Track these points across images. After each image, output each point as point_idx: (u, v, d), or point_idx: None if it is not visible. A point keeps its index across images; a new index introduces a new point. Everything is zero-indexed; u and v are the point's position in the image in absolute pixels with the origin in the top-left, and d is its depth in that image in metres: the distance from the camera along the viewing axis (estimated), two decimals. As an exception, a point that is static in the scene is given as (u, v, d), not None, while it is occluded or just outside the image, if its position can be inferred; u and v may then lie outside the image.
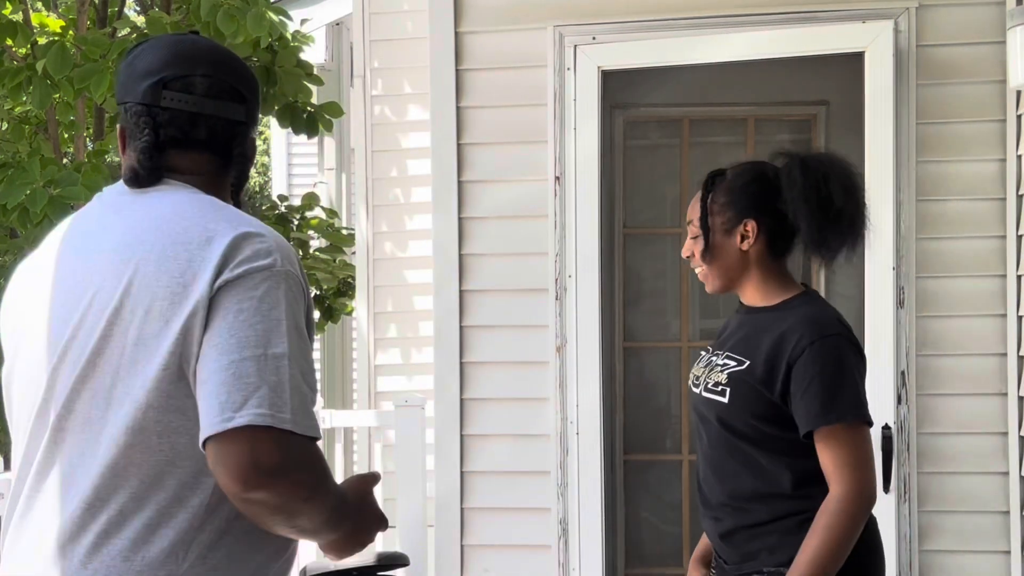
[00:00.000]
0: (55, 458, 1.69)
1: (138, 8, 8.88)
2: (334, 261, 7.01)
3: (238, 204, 1.80)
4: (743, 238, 2.39)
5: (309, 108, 6.08)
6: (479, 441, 3.89)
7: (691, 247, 2.46)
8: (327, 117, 6.13)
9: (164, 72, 1.77)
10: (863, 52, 3.62)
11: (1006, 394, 3.61)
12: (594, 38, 3.80)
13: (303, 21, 6.68)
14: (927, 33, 3.65)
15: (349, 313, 7.20)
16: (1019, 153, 3.59)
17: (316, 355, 8.09)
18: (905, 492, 3.58)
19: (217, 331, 1.57)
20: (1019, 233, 3.59)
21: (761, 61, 3.80)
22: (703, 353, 2.54)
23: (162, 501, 1.63)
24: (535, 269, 3.84)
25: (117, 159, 11.05)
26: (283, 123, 6.06)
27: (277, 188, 8.91)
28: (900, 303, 3.62)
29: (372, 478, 1.87)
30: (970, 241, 3.66)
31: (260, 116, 1.90)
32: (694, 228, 2.44)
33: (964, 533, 3.61)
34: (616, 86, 4.22)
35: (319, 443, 1.64)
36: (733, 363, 2.37)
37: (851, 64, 3.72)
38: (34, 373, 1.72)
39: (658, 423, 5.03)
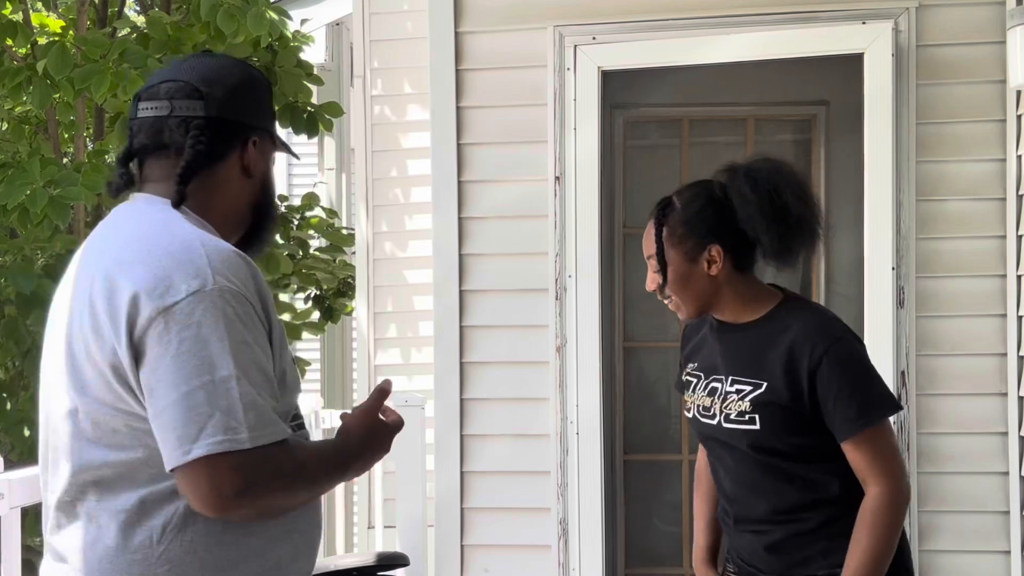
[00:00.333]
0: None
1: (138, 8, 8.87)
2: (334, 261, 7.01)
3: (182, 196, 1.78)
4: (710, 264, 2.34)
5: (309, 108, 6.07)
6: (479, 441, 3.89)
7: (655, 279, 2.41)
8: (327, 117, 6.12)
9: (142, 90, 1.87)
10: (862, 54, 3.62)
11: (1006, 394, 3.61)
12: (594, 38, 3.80)
13: (303, 21, 6.68)
14: (927, 33, 3.65)
15: (349, 313, 7.20)
16: (1019, 153, 3.59)
17: (316, 355, 8.11)
18: (905, 492, 3.58)
19: (158, 366, 1.62)
20: (1019, 233, 3.59)
21: (761, 61, 3.80)
22: (690, 379, 2.49)
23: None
24: (535, 269, 3.83)
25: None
26: (283, 123, 6.05)
27: (277, 188, 8.89)
28: (900, 303, 3.62)
29: (377, 402, 1.88)
30: (970, 241, 3.66)
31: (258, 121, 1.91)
32: (654, 263, 2.40)
33: (964, 533, 3.61)
34: (616, 86, 4.22)
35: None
36: (748, 387, 2.32)
37: (851, 64, 3.72)
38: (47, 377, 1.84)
39: (658, 423, 5.03)
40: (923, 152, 3.65)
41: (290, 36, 6.02)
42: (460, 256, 3.88)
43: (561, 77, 3.80)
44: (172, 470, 1.62)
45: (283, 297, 7.23)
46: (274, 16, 5.64)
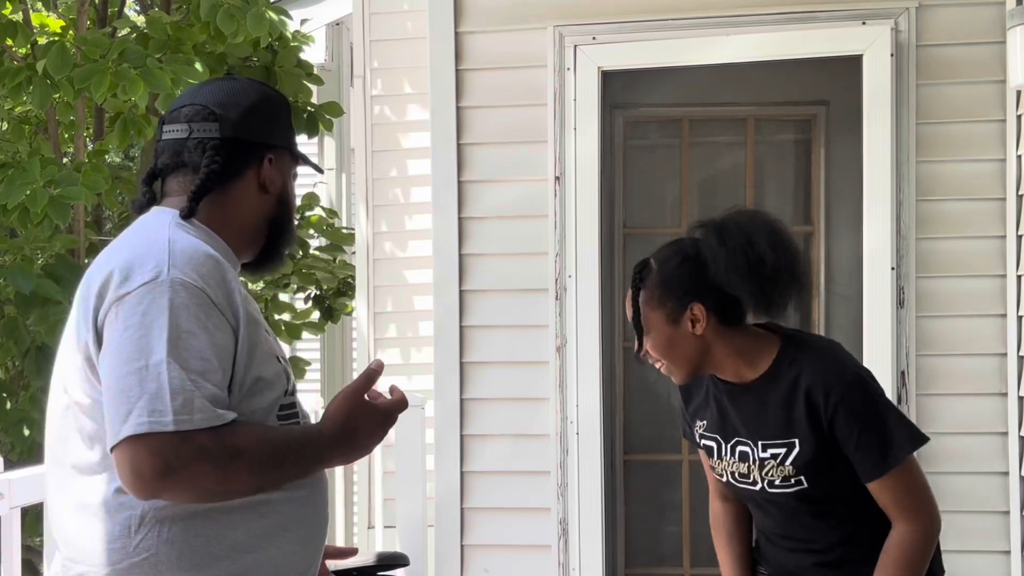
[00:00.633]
0: None
1: (138, 8, 8.87)
2: (334, 261, 7.01)
3: (191, 210, 1.87)
4: (693, 323, 2.25)
5: (309, 108, 6.08)
6: (479, 441, 3.89)
7: (646, 344, 2.32)
8: (327, 117, 6.13)
9: (166, 114, 1.98)
10: (861, 56, 3.62)
11: (1006, 394, 3.61)
12: (594, 38, 3.80)
13: (303, 21, 6.68)
14: (927, 33, 3.65)
15: (349, 313, 7.20)
16: (1019, 153, 3.59)
17: (316, 355, 8.10)
18: (905, 492, 3.58)
19: (106, 351, 1.70)
20: (1019, 233, 3.59)
21: (761, 61, 3.80)
22: (708, 444, 2.43)
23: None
24: (535, 269, 3.83)
25: (117, 159, 11.06)
26: (283, 123, 6.04)
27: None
28: (900, 303, 3.62)
29: (362, 385, 1.89)
30: (970, 241, 3.66)
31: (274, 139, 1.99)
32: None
33: (964, 533, 3.61)
34: (616, 86, 4.22)
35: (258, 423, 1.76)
36: (782, 450, 2.26)
37: (851, 64, 3.72)
38: None
39: (658, 423, 5.02)
40: (923, 152, 3.65)
41: (290, 36, 6.03)
42: (460, 256, 3.88)
43: (561, 77, 3.81)
44: (111, 452, 1.68)
45: (283, 297, 7.24)
46: (274, 16, 5.65)
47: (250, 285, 6.69)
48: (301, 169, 2.08)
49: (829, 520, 2.33)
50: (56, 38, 5.81)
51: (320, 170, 2.20)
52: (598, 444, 3.80)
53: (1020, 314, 3.59)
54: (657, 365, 2.34)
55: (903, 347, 3.61)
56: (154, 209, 1.93)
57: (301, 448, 1.80)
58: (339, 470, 5.88)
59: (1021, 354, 3.59)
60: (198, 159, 1.90)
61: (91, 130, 6.66)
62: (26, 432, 5.62)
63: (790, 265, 2.23)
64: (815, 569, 2.37)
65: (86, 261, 5.93)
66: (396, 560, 2.87)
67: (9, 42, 5.88)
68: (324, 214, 7.12)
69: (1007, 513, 3.60)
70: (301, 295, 7.22)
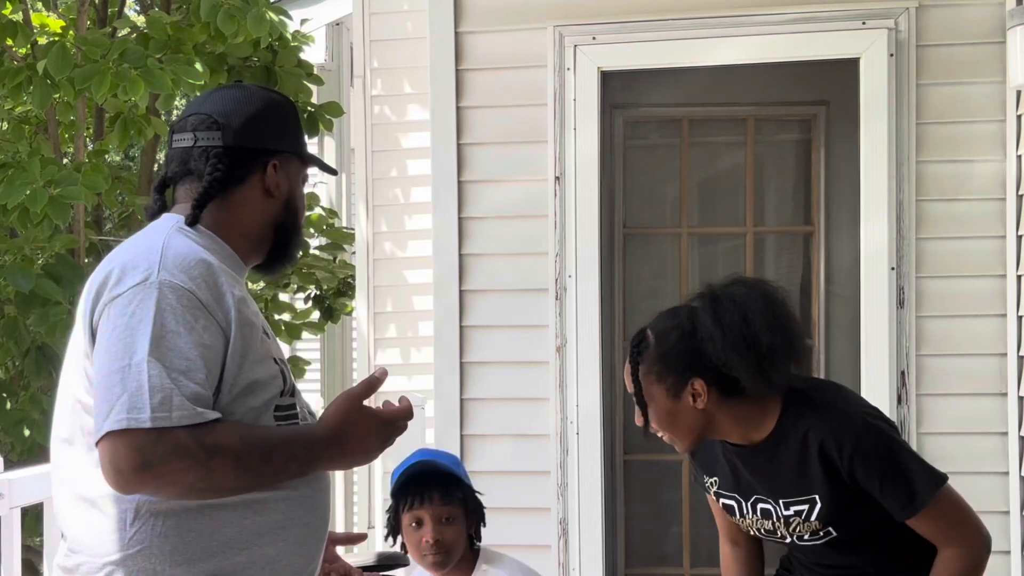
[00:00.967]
0: None
1: (138, 8, 8.88)
2: (334, 260, 7.01)
3: (196, 216, 1.91)
4: (695, 397, 2.23)
5: (309, 108, 6.08)
6: (479, 441, 3.89)
7: (641, 418, 2.30)
8: (327, 117, 6.13)
9: (174, 124, 2.03)
10: (858, 59, 3.62)
11: (1006, 394, 3.61)
12: (594, 38, 3.80)
13: (303, 21, 6.69)
14: (927, 33, 3.65)
15: (349, 313, 7.20)
16: (1019, 153, 3.59)
17: (316, 355, 8.10)
18: (905, 492, 3.58)
19: (96, 350, 1.76)
20: (1019, 233, 3.59)
21: (761, 62, 3.80)
22: (727, 503, 2.41)
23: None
24: (535, 269, 3.84)
25: (117, 159, 11.06)
26: (283, 123, 6.05)
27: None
28: (900, 303, 3.62)
29: (362, 390, 1.91)
30: (970, 241, 3.66)
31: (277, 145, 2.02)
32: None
33: (964, 533, 3.61)
34: (616, 86, 4.22)
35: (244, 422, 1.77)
36: (805, 506, 2.25)
37: (851, 64, 3.72)
38: None
39: (658, 423, 5.02)
40: (923, 152, 3.65)
41: (290, 36, 6.03)
42: (460, 256, 3.88)
43: (561, 77, 3.81)
44: (95, 447, 1.72)
45: (283, 297, 7.24)
46: (274, 16, 5.65)
47: (249, 285, 6.68)
48: (312, 169, 2.09)
49: (865, 553, 2.32)
50: (56, 38, 5.82)
51: (334, 171, 2.25)
52: (598, 444, 3.80)
53: (1020, 314, 3.59)
54: (660, 435, 2.32)
55: (903, 347, 3.61)
56: (164, 215, 1.98)
57: (291, 448, 1.81)
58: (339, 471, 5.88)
59: (1021, 354, 3.59)
60: (202, 167, 1.95)
61: (91, 130, 6.67)
62: (26, 432, 5.62)
63: (786, 343, 2.21)
64: None
65: (86, 261, 5.94)
66: (396, 560, 2.86)
67: (9, 42, 5.89)
68: (324, 214, 7.12)
69: (1007, 513, 3.60)
70: (301, 295, 7.23)
